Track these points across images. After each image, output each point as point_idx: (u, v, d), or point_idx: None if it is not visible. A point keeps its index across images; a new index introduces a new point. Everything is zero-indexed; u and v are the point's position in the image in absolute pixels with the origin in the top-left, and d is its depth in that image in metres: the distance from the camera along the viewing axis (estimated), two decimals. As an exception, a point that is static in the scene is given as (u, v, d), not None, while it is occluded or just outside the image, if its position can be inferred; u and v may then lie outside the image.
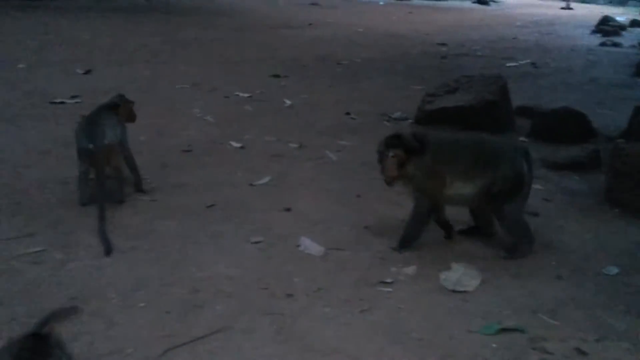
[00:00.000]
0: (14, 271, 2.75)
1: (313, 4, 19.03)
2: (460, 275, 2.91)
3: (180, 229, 3.28)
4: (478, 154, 3.13)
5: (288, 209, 3.62)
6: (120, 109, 3.67)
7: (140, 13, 12.98)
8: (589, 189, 4.22)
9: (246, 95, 6.41)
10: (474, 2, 25.16)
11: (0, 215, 3.31)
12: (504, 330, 2.52)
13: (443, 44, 11.61)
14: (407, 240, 3.18)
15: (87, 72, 6.96)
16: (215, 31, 11.21)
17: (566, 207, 3.90)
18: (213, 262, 2.95)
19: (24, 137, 4.61)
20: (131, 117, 3.83)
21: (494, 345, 2.43)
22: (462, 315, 2.62)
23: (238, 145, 4.74)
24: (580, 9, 22.19)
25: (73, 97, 5.80)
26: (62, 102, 5.63)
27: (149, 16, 12.58)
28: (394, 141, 3.08)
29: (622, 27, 15.06)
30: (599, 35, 14.37)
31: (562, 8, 23.27)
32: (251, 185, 3.99)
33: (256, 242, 3.19)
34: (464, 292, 2.81)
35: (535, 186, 4.15)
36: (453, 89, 5.66)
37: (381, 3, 21.89)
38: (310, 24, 13.44)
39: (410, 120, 5.77)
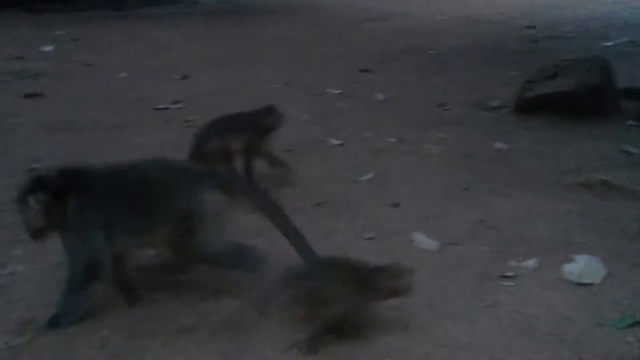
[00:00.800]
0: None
1: (393, -7, 18.83)
2: (585, 267, 2.85)
3: (295, 228, 3.35)
4: (144, 192, 2.53)
5: (397, 204, 3.65)
6: (266, 118, 3.82)
7: (219, 16, 13.27)
8: None
9: (337, 91, 6.47)
10: (558, -19, 24.25)
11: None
12: (638, 323, 2.44)
13: (531, 27, 11.27)
14: (67, 314, 2.48)
15: (185, 77, 7.21)
16: (297, 29, 11.33)
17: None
18: (328, 259, 3.00)
19: (134, 142, 4.84)
20: (274, 127, 3.92)
21: (629, 339, 2.36)
22: (590, 308, 2.58)
23: (337, 142, 4.80)
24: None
25: (175, 102, 6.03)
26: (165, 108, 5.86)
27: (228, 19, 12.85)
28: (33, 185, 2.43)
29: None
30: (699, 6, 13.54)
31: (656, -20, 22.07)
32: (356, 181, 4.03)
33: (370, 239, 3.22)
34: (590, 284, 2.74)
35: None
36: (553, 74, 5.50)
37: (461, -13, 21.42)
38: (392, 15, 13.35)
39: (509, 109, 5.65)
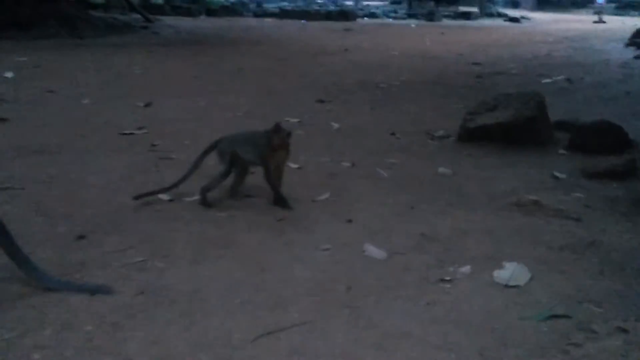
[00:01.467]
0: (124, 277, 3.19)
1: (347, 29, 19.54)
2: (512, 273, 3.26)
3: (257, 240, 3.70)
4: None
5: (350, 221, 4.02)
6: (274, 136, 4.14)
7: (178, 47, 13.62)
8: (627, 195, 4.53)
9: (296, 120, 6.86)
10: (505, 20, 25.46)
11: (100, 233, 3.75)
12: (554, 316, 2.86)
13: (477, 63, 11.98)
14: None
15: (148, 104, 7.50)
16: (255, 61, 11.76)
17: (606, 212, 4.22)
18: (290, 267, 3.36)
19: (104, 165, 5.10)
20: (282, 146, 4.20)
21: (544, 329, 2.77)
22: (515, 306, 2.98)
23: (296, 166, 5.16)
24: (613, 22, 22.29)
25: (140, 128, 6.31)
26: (131, 134, 6.14)
27: (187, 49, 13.21)
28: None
29: (656, 39, 15.21)
30: (633, 48, 14.55)
31: (595, 22, 23.41)
32: (313, 201, 4.40)
33: (325, 250, 3.58)
34: (516, 286, 3.16)
35: (576, 194, 4.50)
36: (492, 107, 6.02)
37: (413, 25, 22.36)
38: (345, 50, 13.93)
39: (453, 138, 6.13)
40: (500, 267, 3.34)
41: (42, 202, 4.27)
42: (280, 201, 4.26)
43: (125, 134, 6.17)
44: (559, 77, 10.27)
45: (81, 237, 3.70)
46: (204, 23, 20.67)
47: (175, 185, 4.34)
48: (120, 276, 3.22)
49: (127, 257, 3.45)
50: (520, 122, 5.69)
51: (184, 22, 19.54)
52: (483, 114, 5.98)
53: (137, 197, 4.28)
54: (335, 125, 6.66)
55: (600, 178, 4.85)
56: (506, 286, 3.16)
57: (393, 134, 6.32)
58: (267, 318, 2.85)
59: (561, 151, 5.72)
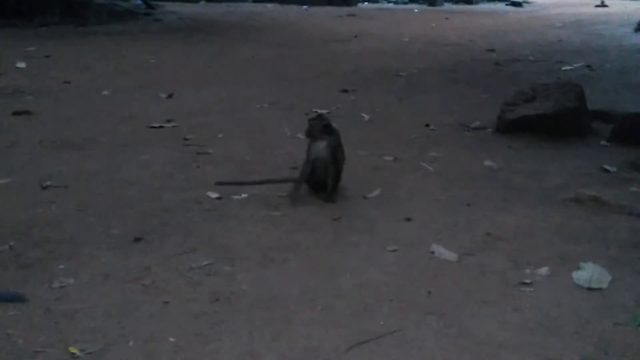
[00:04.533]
0: (195, 282, 3.08)
1: (350, 15, 19.33)
2: (591, 274, 3.17)
3: (319, 241, 3.59)
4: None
5: (408, 219, 3.92)
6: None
7: (184, 34, 13.38)
8: (684, 188, 4.44)
9: (324, 111, 6.71)
10: (507, 4, 25.28)
11: (156, 234, 3.63)
12: (648, 322, 2.77)
13: (491, 50, 11.83)
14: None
15: (170, 96, 7.35)
16: (265, 49, 11.55)
17: (668, 207, 4.12)
18: (362, 269, 3.25)
19: (141, 161, 4.97)
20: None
21: (643, 335, 2.68)
22: (604, 310, 2.89)
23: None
24: (615, 6, 22.13)
25: (168, 120, 6.17)
26: (161, 127, 6.00)
27: (193, 37, 12.97)
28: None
29: (665, 24, 15.09)
30: (643, 33, 14.41)
31: (597, 5, 23.25)
32: (365, 197, 4.29)
33: (393, 251, 3.48)
34: (599, 289, 3.07)
35: (632, 188, 4.41)
36: (531, 97, 5.91)
37: (415, 10, 22.15)
38: (355, 36, 13.75)
39: (490, 129, 6.03)
40: (578, 267, 3.26)
41: (89, 201, 4.14)
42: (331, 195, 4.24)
43: (155, 127, 6.04)
44: (579, 64, 10.15)
45: (138, 239, 3.59)
46: (205, 9, 20.35)
47: (261, 182, 4.41)
48: (191, 282, 3.11)
49: (192, 260, 3.33)
50: (562, 113, 5.60)
51: (185, 9, 19.21)
52: (521, 105, 5.87)
53: (218, 184, 4.37)
54: (366, 117, 6.54)
55: (652, 171, 4.76)
56: (589, 289, 3.06)
57: (427, 125, 6.20)
58: (354, 326, 2.75)
59: (603, 142, 5.62)
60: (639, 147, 5.37)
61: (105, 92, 7.59)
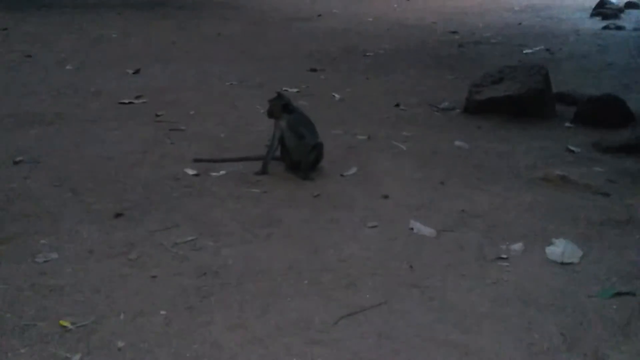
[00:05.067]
0: (181, 257, 3.10)
1: (312, -7, 19.16)
2: (564, 249, 3.31)
3: (301, 217, 3.65)
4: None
5: (386, 197, 4.00)
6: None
7: (151, 8, 13.15)
8: (646, 169, 4.64)
9: (294, 90, 6.74)
10: (467, -12, 25.49)
11: (137, 210, 3.63)
12: (618, 294, 2.93)
13: (454, 32, 11.96)
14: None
15: (137, 71, 7.25)
16: (231, 26, 11.44)
17: (631, 187, 4.31)
18: (345, 245, 3.33)
19: (114, 137, 4.92)
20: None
21: (614, 306, 2.83)
22: (577, 283, 3.03)
23: (311, 138, 5.07)
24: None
25: (138, 97, 6.10)
26: (130, 103, 5.93)
27: (162, 11, 12.77)
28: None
29: (619, 10, 15.50)
30: (598, 18, 14.75)
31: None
32: (342, 175, 4.35)
33: (373, 227, 3.56)
34: (571, 263, 3.21)
35: (596, 168, 4.58)
36: (498, 79, 6.04)
37: (378, -9, 22.13)
38: (319, 15, 13.71)
39: (458, 110, 6.15)
40: (550, 243, 3.39)
41: (64, 176, 4.10)
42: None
43: (124, 103, 5.97)
44: (539, 48, 10.37)
45: (119, 214, 3.58)
46: (165, -17, 19.96)
47: (237, 160, 4.49)
48: (177, 256, 3.13)
49: (176, 236, 3.35)
50: (530, 95, 5.75)
51: (146, -18, 18.83)
52: (489, 87, 6.00)
53: (196, 160, 4.42)
54: (337, 96, 6.58)
55: (615, 152, 4.96)
56: (562, 263, 3.20)
57: (397, 105, 6.29)
58: (341, 299, 2.83)
59: (567, 124, 5.80)
60: (600, 128, 5.56)
61: (68, 67, 7.45)
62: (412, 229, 3.54)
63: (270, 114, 4.31)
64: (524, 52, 9.96)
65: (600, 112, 5.68)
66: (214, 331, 2.55)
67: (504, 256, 3.25)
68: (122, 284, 2.86)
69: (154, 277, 2.93)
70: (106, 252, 3.13)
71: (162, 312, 2.65)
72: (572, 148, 5.07)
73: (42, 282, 2.85)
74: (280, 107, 4.23)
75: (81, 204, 3.70)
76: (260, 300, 2.77)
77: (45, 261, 3.03)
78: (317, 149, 4.29)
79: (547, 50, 10.08)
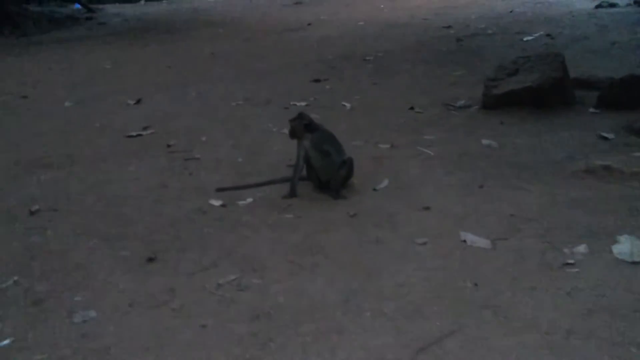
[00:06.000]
0: (228, 300, 2.88)
1: (297, 2, 19.06)
2: (631, 247, 3.10)
3: (343, 241, 3.43)
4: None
5: (427, 208, 3.79)
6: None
7: (137, 35, 12.95)
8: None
9: (303, 104, 6.54)
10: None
11: (169, 251, 3.40)
12: None
13: (448, 27, 11.79)
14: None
15: (138, 101, 7.03)
16: (224, 43, 11.26)
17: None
18: (398, 267, 3.11)
19: (129, 174, 4.70)
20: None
21: None
22: (656, 283, 2.81)
23: (333, 153, 4.86)
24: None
25: (145, 128, 5.88)
26: (139, 135, 5.71)
27: (149, 37, 12.57)
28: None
29: (608, -13, 15.32)
30: (586, -3, 14.56)
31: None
32: (375, 190, 4.14)
33: (423, 244, 3.34)
34: (643, 262, 3.00)
35: (636, 154, 4.37)
36: (514, 71, 5.85)
37: (361, -8, 21.99)
38: (309, 24, 13.54)
39: (476, 107, 5.94)
40: (615, 241, 3.18)
41: (85, 223, 3.87)
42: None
43: (132, 136, 5.74)
44: (538, 34, 10.20)
45: (151, 258, 3.35)
46: (147, 8, 19.76)
47: (262, 184, 4.32)
48: (223, 300, 2.91)
49: (217, 276, 3.13)
50: (550, 84, 5.55)
51: (127, 9, 18.63)
52: (505, 80, 5.80)
53: (220, 189, 4.24)
54: (348, 105, 6.38)
55: (649, 135, 4.75)
56: (633, 263, 2.99)
57: (412, 108, 6.08)
58: (411, 330, 2.60)
59: (591, 110, 5.61)
60: (626, 111, 5.37)
61: (67, 104, 7.21)
62: (464, 241, 3.33)
63: (293, 134, 4.10)
64: (525, 39, 9.78)
65: (624, 94, 5.49)
66: (284, 384, 2.32)
67: (571, 261, 3.04)
68: (171, 338, 2.63)
69: (203, 326, 2.70)
70: (147, 303, 2.90)
71: (223, 369, 2.41)
72: (605, 135, 4.87)
73: (85, 345, 2.62)
74: (303, 126, 4.02)
75: (109, 250, 3.47)
76: (324, 342, 2.54)
77: (84, 321, 2.79)
78: (347, 165, 4.07)
79: (548, 35, 9.91)
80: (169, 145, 5.34)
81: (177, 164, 4.89)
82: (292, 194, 4.08)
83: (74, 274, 3.23)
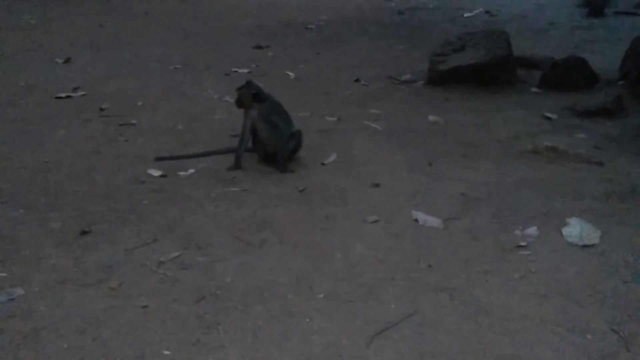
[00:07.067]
0: (170, 279, 2.70)
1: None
2: (581, 230, 3.09)
3: (292, 216, 3.30)
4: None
5: (377, 185, 3.69)
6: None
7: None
8: (627, 132, 4.51)
9: (245, 70, 6.31)
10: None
11: (105, 224, 3.17)
12: (653, 276, 2.73)
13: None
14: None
15: (67, 60, 6.60)
16: (158, 3, 10.76)
17: (619, 153, 4.16)
18: (350, 246, 3.00)
19: (59, 137, 4.39)
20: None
21: (654, 292, 2.63)
22: (607, 268, 2.82)
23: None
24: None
25: (75, 89, 5.52)
26: (68, 96, 5.35)
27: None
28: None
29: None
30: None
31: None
32: (323, 164, 4.01)
33: (374, 222, 3.24)
34: (592, 245, 3.00)
35: (579, 135, 4.41)
36: (460, 47, 5.80)
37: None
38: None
39: (421, 82, 5.88)
40: (565, 224, 3.17)
41: (11, 190, 3.57)
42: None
43: (62, 97, 5.37)
44: (478, 10, 10.24)
45: (85, 231, 3.11)
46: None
47: (204, 154, 4.08)
48: (165, 279, 2.72)
49: (158, 253, 2.93)
50: (495, 62, 5.54)
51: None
52: (451, 55, 5.75)
53: (159, 159, 4.01)
54: (292, 75, 6.20)
55: (591, 116, 4.82)
56: (583, 246, 2.99)
57: (357, 80, 5.97)
58: (366, 313, 2.50)
59: (534, 89, 5.65)
60: (567, 92, 5.44)
61: (-12, 58, 6.69)
62: (416, 220, 3.25)
63: (240, 103, 3.90)
64: (465, 15, 9.79)
65: (566, 75, 5.54)
66: (232, 371, 2.17)
67: (523, 244, 3.01)
68: (110, 320, 2.43)
69: (144, 307, 2.52)
70: (81, 281, 2.68)
71: (166, 353, 2.26)
72: (549, 115, 4.91)
73: (12, 326, 2.39)
74: (251, 95, 3.83)
75: (37, 222, 3.20)
76: (276, 325, 2.41)
77: (10, 299, 2.55)
78: (296, 138, 3.92)
79: (487, 12, 9.96)
80: (101, 109, 5.03)
81: (111, 129, 4.60)
82: (237, 165, 3.89)
83: (-2, 247, 2.96)
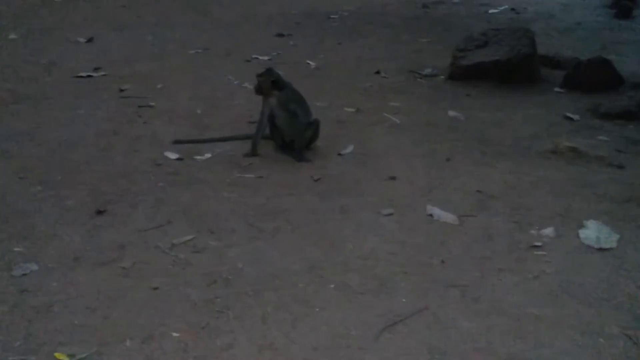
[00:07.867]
0: (182, 262, 2.70)
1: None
2: (597, 232, 3.05)
3: (306, 205, 3.29)
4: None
5: (393, 178, 3.67)
6: None
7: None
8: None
9: (266, 58, 6.30)
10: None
11: (120, 204, 3.19)
12: (668, 283, 2.69)
13: (413, -9, 11.52)
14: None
15: (90, 40, 6.63)
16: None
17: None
18: (363, 238, 2.99)
19: (78, 117, 4.42)
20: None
21: (670, 298, 2.59)
22: (623, 272, 2.78)
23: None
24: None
25: (96, 69, 5.55)
26: (89, 76, 5.38)
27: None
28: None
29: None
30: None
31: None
32: (340, 155, 4.00)
33: (388, 215, 3.23)
34: (610, 249, 2.96)
35: (601, 137, 4.35)
36: (483, 43, 5.74)
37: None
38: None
39: (442, 76, 5.83)
40: (582, 226, 3.13)
41: (29, 166, 3.60)
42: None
43: (82, 76, 5.40)
44: (503, 7, 10.12)
45: (100, 211, 3.13)
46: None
47: (222, 139, 4.08)
48: (178, 262, 2.73)
49: (171, 235, 2.94)
50: (518, 60, 5.47)
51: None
52: (474, 51, 5.69)
53: (177, 142, 4.02)
54: (312, 64, 6.17)
55: (614, 119, 4.75)
56: (600, 249, 2.94)
57: (378, 72, 5.92)
58: (376, 306, 2.49)
59: (557, 89, 5.57)
60: (591, 93, 5.35)
61: (13, 36, 6.75)
62: (431, 215, 3.22)
63: (259, 90, 3.89)
64: (490, 12, 9.68)
65: (590, 76, 5.46)
66: (239, 356, 2.17)
67: (538, 244, 2.98)
68: (121, 299, 2.44)
69: (155, 289, 2.52)
70: (95, 259, 2.70)
71: (175, 335, 2.26)
72: (570, 115, 4.84)
73: (26, 302, 2.40)
74: (270, 83, 3.81)
75: (54, 199, 3.23)
76: (286, 313, 2.40)
77: (24, 274, 2.57)
78: (313, 127, 3.90)
79: (513, 9, 9.84)
80: (121, 90, 5.05)
81: (130, 111, 4.62)
82: (254, 152, 3.89)
83: (14, 222, 2.99)
